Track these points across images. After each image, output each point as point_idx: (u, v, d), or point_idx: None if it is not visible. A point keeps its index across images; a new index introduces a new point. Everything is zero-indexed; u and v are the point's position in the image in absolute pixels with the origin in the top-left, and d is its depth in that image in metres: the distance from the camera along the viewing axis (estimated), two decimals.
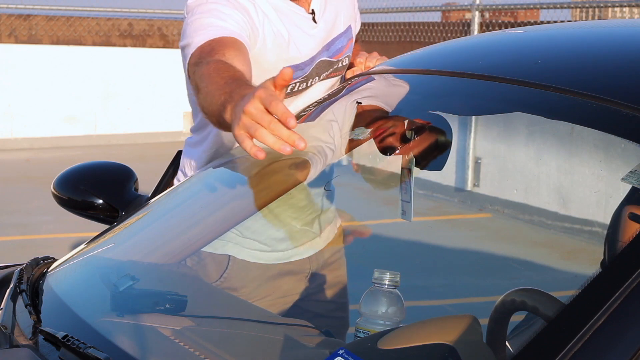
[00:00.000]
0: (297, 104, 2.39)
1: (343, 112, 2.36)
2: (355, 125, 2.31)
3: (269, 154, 1.67)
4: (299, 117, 2.35)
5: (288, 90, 2.37)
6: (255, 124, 1.65)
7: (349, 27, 2.48)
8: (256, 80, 2.25)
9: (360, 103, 2.32)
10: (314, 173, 2.42)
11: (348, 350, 1.48)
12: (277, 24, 2.32)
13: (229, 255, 2.39)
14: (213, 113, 1.96)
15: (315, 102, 2.37)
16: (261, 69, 2.26)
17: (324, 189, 2.44)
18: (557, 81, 1.75)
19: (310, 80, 2.39)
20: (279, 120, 1.60)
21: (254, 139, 1.66)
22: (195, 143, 2.50)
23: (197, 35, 2.18)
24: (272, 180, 2.41)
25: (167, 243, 2.29)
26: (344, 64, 2.46)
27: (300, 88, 2.38)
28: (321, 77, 2.40)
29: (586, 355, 1.32)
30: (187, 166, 2.51)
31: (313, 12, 2.40)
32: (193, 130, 2.49)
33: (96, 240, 2.27)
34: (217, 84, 1.98)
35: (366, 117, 2.30)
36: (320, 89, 2.42)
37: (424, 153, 2.25)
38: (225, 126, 1.91)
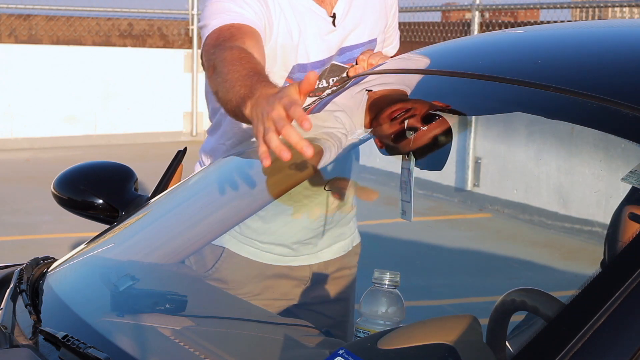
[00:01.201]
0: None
1: (350, 102, 2.34)
2: (367, 113, 2.27)
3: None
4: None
5: None
6: (272, 130, 1.70)
7: (374, 41, 2.44)
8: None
9: (371, 90, 2.30)
10: (328, 159, 2.37)
11: (348, 350, 1.48)
12: (291, 22, 2.32)
13: (224, 247, 2.39)
14: (230, 101, 1.99)
15: (318, 97, 2.37)
16: (270, 65, 2.26)
17: (324, 189, 2.43)
18: (557, 81, 1.75)
19: (318, 82, 2.38)
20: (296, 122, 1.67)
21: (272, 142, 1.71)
22: (211, 131, 2.52)
23: (215, 18, 2.21)
24: (276, 178, 2.40)
25: (167, 243, 2.29)
26: None
27: None
28: (330, 83, 2.39)
29: (586, 355, 1.32)
30: (204, 155, 2.53)
31: (334, 16, 2.38)
32: (210, 118, 2.52)
33: (96, 240, 2.27)
34: (239, 73, 2.01)
35: (378, 104, 2.26)
36: None
37: (424, 153, 2.24)
38: (240, 117, 1.96)
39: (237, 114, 1.98)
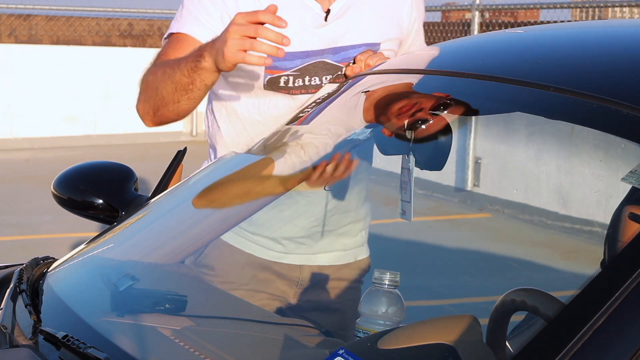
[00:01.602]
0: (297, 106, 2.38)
1: (346, 107, 2.33)
2: (373, 109, 2.25)
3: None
4: (296, 118, 2.34)
5: (282, 84, 2.36)
6: (246, 39, 2.00)
7: (375, 45, 2.40)
8: (234, 77, 2.39)
9: (368, 91, 2.28)
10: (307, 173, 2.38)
11: (348, 350, 1.48)
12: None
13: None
14: (179, 82, 2.19)
15: (313, 102, 2.36)
16: None
17: (324, 189, 2.42)
18: (557, 81, 1.75)
19: (307, 77, 2.37)
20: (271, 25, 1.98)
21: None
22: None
23: (172, 25, 2.37)
24: (270, 180, 2.40)
25: (167, 243, 2.29)
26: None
27: (296, 84, 2.36)
28: (324, 82, 2.38)
29: (586, 355, 1.32)
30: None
31: (328, 12, 2.37)
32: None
33: (96, 240, 2.27)
34: (176, 61, 2.23)
35: (384, 100, 2.25)
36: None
37: (424, 153, 2.24)
38: (194, 89, 2.19)
39: (189, 88, 2.19)
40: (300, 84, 2.36)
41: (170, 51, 2.32)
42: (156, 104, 2.29)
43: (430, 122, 2.13)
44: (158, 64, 2.30)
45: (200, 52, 2.16)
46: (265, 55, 2.04)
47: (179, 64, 2.21)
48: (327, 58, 2.37)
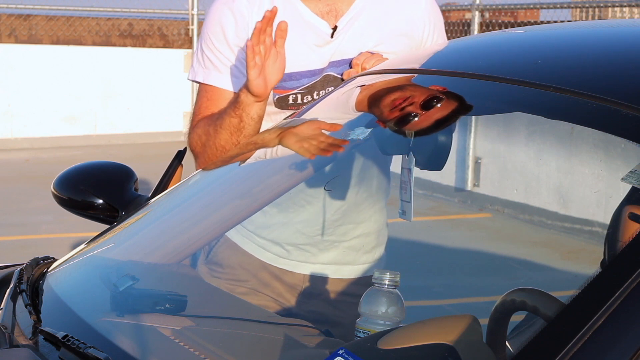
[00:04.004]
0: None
1: (338, 100, 2.30)
2: (361, 104, 2.23)
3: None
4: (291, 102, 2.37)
5: (290, 101, 2.36)
6: (257, 63, 2.18)
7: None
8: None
9: (364, 85, 2.27)
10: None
11: (348, 350, 1.48)
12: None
13: (224, 235, 2.39)
14: (230, 124, 2.29)
15: (310, 97, 2.37)
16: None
17: (324, 188, 2.41)
18: (557, 81, 1.75)
19: (315, 93, 2.37)
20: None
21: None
22: None
23: (197, 74, 2.43)
24: (272, 179, 2.40)
25: (167, 243, 2.29)
26: None
27: (305, 100, 2.36)
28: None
29: (586, 355, 1.32)
30: None
31: (335, 28, 2.36)
32: None
33: (96, 240, 2.27)
34: (219, 112, 2.34)
35: (374, 95, 2.20)
36: None
37: (424, 153, 2.23)
38: (247, 120, 2.27)
39: (240, 126, 2.28)
40: (309, 99, 2.36)
41: (204, 109, 2.40)
42: (220, 155, 2.34)
43: (422, 116, 2.07)
44: (205, 122, 2.37)
45: (239, 89, 2.27)
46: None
47: (225, 109, 2.32)
48: (332, 71, 2.37)
